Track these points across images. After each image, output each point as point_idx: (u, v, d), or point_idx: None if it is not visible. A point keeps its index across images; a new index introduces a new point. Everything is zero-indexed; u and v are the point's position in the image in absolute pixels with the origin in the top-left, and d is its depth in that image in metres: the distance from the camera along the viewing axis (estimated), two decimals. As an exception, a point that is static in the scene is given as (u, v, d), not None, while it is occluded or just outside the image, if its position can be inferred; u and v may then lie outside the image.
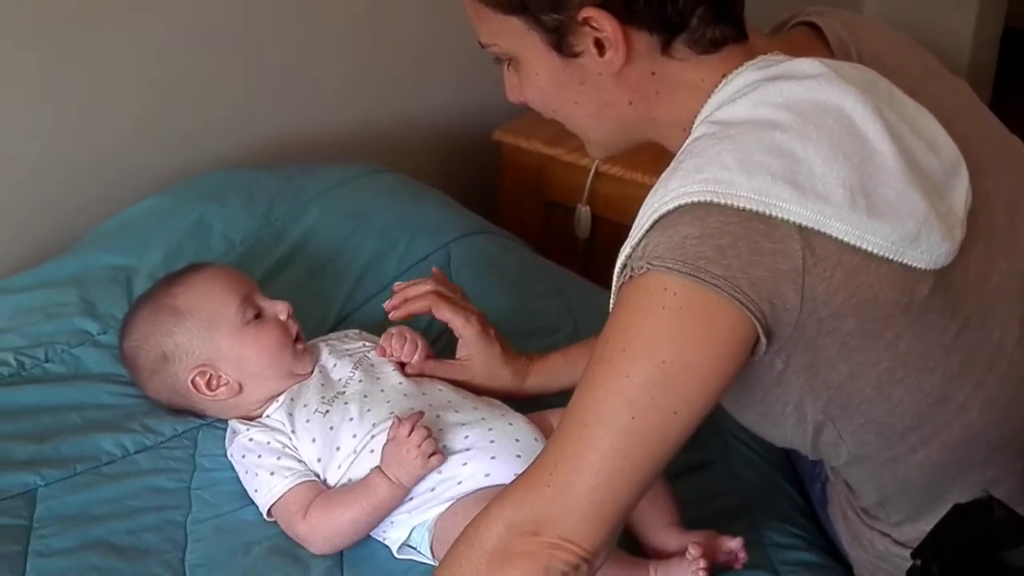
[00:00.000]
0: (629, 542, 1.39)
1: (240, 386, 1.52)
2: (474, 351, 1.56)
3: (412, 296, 1.58)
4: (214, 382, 1.52)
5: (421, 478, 1.38)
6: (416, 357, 1.55)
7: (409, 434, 1.37)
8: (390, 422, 1.41)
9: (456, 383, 1.56)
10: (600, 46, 1.18)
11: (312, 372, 1.54)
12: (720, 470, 1.59)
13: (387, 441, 1.39)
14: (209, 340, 1.51)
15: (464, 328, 1.56)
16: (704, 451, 1.59)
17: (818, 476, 1.54)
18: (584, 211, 2.30)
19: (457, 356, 1.58)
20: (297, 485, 1.43)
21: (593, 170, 2.26)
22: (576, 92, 1.23)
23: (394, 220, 1.92)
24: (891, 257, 1.10)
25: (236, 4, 2.08)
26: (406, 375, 1.54)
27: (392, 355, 1.55)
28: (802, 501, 1.58)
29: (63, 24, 1.85)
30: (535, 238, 2.26)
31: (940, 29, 3.31)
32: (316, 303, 1.63)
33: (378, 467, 1.39)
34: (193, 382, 1.52)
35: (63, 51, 1.87)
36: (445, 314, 1.56)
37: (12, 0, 1.79)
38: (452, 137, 2.48)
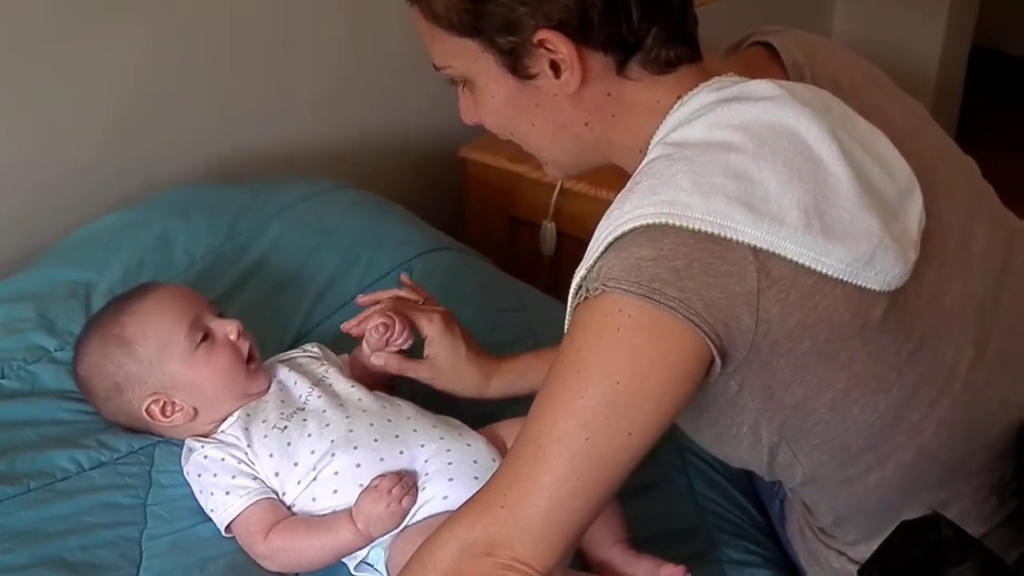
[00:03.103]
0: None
1: (195, 410, 1.51)
2: (439, 349, 1.55)
3: (379, 299, 1.56)
4: (169, 408, 1.51)
5: (389, 531, 1.38)
6: (403, 343, 1.54)
7: (390, 490, 1.37)
8: (349, 442, 1.42)
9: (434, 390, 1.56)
10: (556, 68, 1.18)
11: (268, 389, 1.53)
12: (678, 486, 1.59)
13: (365, 490, 1.38)
14: (160, 369, 1.50)
15: (427, 327, 1.55)
16: (662, 467, 1.59)
17: (776, 494, 1.54)
18: (549, 228, 2.30)
19: (424, 355, 1.57)
20: (254, 504, 1.42)
21: (558, 187, 2.26)
22: (532, 114, 1.23)
23: (357, 236, 1.92)
24: (845, 279, 1.11)
25: (207, 21, 2.07)
26: (365, 360, 1.54)
27: (380, 342, 1.53)
28: (761, 518, 1.59)
29: (31, 38, 1.85)
30: (501, 255, 2.26)
31: (908, 48, 3.34)
32: (277, 318, 1.63)
33: (349, 512, 1.38)
34: (147, 410, 1.51)
35: (31, 65, 1.86)
36: (411, 313, 1.55)
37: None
38: (419, 154, 2.48)
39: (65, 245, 1.86)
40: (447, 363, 1.55)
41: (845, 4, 3.48)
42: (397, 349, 1.55)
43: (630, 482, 1.51)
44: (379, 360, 1.55)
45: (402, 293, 1.59)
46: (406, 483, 1.38)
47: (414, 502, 1.38)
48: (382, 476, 1.39)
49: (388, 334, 1.53)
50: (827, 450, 1.23)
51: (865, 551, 1.33)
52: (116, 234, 1.86)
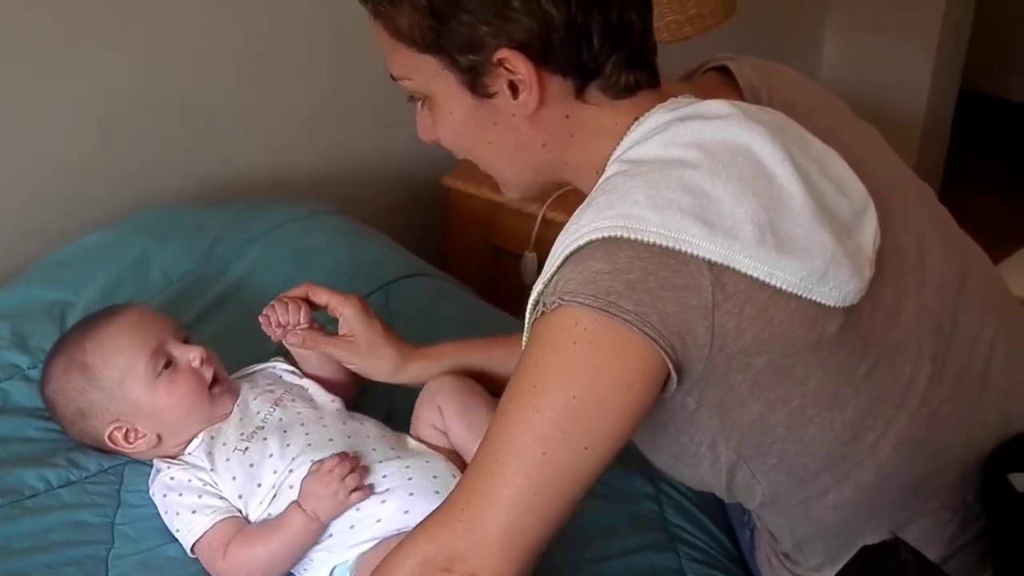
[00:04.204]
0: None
1: (159, 437, 1.51)
2: (355, 327, 1.54)
3: (287, 296, 1.56)
4: (132, 435, 1.51)
5: (339, 514, 1.37)
6: (302, 320, 1.54)
7: (332, 470, 1.36)
8: (309, 455, 1.41)
9: (324, 381, 1.58)
10: (514, 88, 1.19)
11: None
12: (649, 514, 1.58)
13: (307, 474, 1.38)
14: (122, 397, 1.50)
15: (342, 306, 1.54)
16: (634, 495, 1.59)
17: (747, 524, 1.53)
18: (531, 258, 2.31)
19: (340, 335, 1.57)
20: (219, 522, 1.42)
21: (540, 217, 2.26)
22: (490, 133, 1.24)
23: (335, 260, 1.93)
24: (800, 293, 1.11)
25: (193, 44, 2.09)
26: (281, 349, 1.54)
27: (277, 324, 1.54)
28: (732, 547, 1.58)
29: (14, 57, 1.86)
30: (482, 284, 2.26)
31: (896, 90, 3.36)
32: (251, 341, 1.63)
33: (295, 501, 1.38)
34: (110, 436, 1.51)
35: (14, 84, 1.88)
36: (321, 297, 1.56)
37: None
38: (402, 182, 2.49)
39: (43, 264, 1.87)
40: (363, 341, 1.54)
41: (833, 46, 3.50)
42: (295, 327, 1.54)
43: (601, 510, 1.52)
44: (295, 339, 1.55)
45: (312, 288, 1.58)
46: (347, 463, 1.38)
47: (361, 482, 1.38)
48: (322, 459, 1.39)
49: (287, 316, 1.53)
50: (785, 469, 1.23)
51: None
52: (94, 254, 1.87)
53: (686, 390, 1.15)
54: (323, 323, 1.58)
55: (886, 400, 1.20)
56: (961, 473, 1.27)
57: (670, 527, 1.57)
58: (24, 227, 1.96)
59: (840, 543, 1.29)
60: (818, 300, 1.12)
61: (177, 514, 1.44)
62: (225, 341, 1.62)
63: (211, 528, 1.41)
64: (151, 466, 1.52)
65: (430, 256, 2.16)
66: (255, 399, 1.53)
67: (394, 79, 1.25)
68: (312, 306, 1.56)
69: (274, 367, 1.62)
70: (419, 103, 1.27)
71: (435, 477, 1.42)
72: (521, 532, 1.14)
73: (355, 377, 1.60)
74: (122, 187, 2.05)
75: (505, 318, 1.98)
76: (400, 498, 1.39)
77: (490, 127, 1.23)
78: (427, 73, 1.21)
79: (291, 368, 1.61)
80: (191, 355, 1.52)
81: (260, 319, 1.55)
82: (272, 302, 1.56)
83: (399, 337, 1.58)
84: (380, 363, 1.55)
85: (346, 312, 1.54)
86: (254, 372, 1.61)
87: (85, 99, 1.97)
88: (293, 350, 1.59)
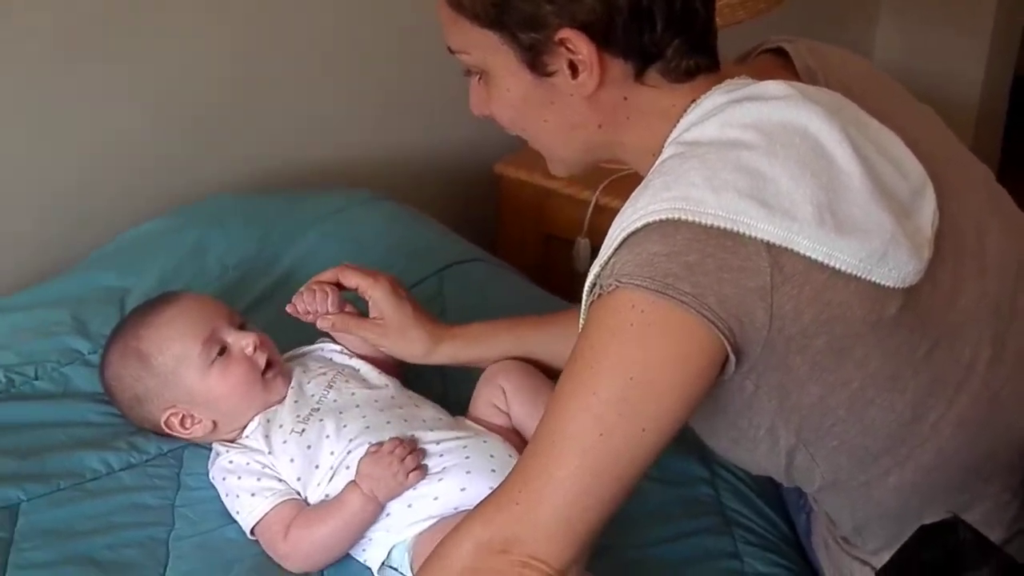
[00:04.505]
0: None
1: (214, 423, 1.53)
2: (385, 310, 1.54)
3: (316, 282, 1.57)
4: (188, 421, 1.53)
5: (398, 495, 1.38)
6: (330, 306, 1.55)
7: (392, 451, 1.38)
8: (366, 437, 1.42)
9: (375, 361, 1.58)
10: (574, 68, 1.18)
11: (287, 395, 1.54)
12: (705, 498, 1.58)
13: (365, 456, 1.39)
14: (176, 384, 1.51)
15: (372, 288, 1.54)
16: (689, 478, 1.59)
17: (803, 507, 1.53)
18: (584, 244, 2.30)
19: (371, 316, 1.57)
20: (278, 505, 1.43)
21: (593, 203, 2.26)
22: (546, 111, 1.23)
23: (389, 247, 1.93)
24: (859, 275, 1.10)
25: (243, 33, 2.11)
26: (325, 332, 1.56)
27: (305, 311, 1.55)
28: (788, 531, 1.58)
29: (69, 49, 1.89)
30: (535, 271, 2.26)
31: (950, 77, 3.33)
32: (306, 326, 1.64)
33: (353, 481, 1.39)
34: (167, 422, 1.53)
35: (68, 76, 1.90)
36: (351, 279, 1.56)
37: (18, 23, 1.82)
38: (454, 169, 2.49)
39: (103, 252, 1.90)
40: (394, 323, 1.54)
41: (886, 31, 3.47)
42: (326, 313, 1.55)
43: (656, 493, 1.53)
44: (326, 323, 1.56)
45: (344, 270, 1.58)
46: (406, 445, 1.39)
47: (419, 463, 1.39)
48: (380, 442, 1.40)
49: (315, 304, 1.54)
50: (845, 452, 1.22)
51: (887, 559, 1.32)
52: (152, 241, 1.90)
53: (744, 373, 1.15)
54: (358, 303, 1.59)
55: (946, 381, 1.19)
56: (1021, 454, 1.26)
57: (726, 511, 1.57)
58: (82, 216, 1.98)
59: (900, 526, 1.28)
60: (877, 281, 1.11)
61: (237, 497, 1.45)
62: (281, 326, 1.63)
63: (271, 510, 1.43)
64: (210, 449, 1.54)
65: (482, 243, 2.16)
66: (309, 382, 1.54)
67: (451, 51, 1.25)
68: (344, 288, 1.57)
69: (322, 349, 1.63)
70: (476, 77, 1.27)
71: (492, 456, 1.42)
72: (578, 514, 1.14)
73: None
74: (175, 178, 2.07)
75: (558, 304, 1.98)
76: (457, 476, 1.40)
77: (547, 105, 1.23)
78: (486, 48, 1.21)
79: (340, 348, 1.62)
80: (244, 341, 1.53)
81: (287, 308, 1.57)
82: (301, 289, 1.56)
83: (432, 318, 1.58)
84: (411, 345, 1.55)
85: (375, 294, 1.54)
86: (304, 354, 1.62)
87: (141, 90, 1.99)
88: (335, 333, 1.60)
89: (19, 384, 1.66)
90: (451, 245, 2.03)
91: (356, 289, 1.56)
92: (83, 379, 1.67)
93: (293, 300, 1.56)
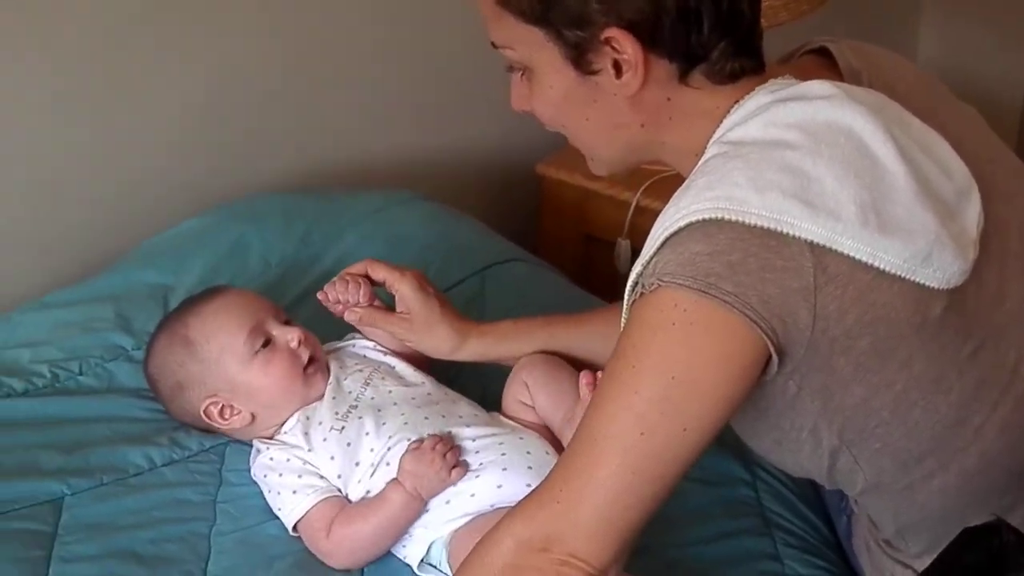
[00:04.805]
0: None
1: (252, 416, 1.54)
2: (411, 305, 1.54)
3: (348, 273, 1.58)
4: (227, 412, 1.54)
5: (440, 492, 1.39)
6: (361, 298, 1.55)
7: (433, 447, 1.38)
8: (405, 434, 1.43)
9: (409, 357, 1.59)
10: (618, 67, 1.18)
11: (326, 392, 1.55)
12: (745, 499, 1.58)
13: (407, 453, 1.40)
14: (219, 372, 1.52)
15: (399, 282, 1.55)
16: (730, 480, 1.59)
17: (844, 510, 1.52)
18: (625, 245, 2.30)
19: (397, 311, 1.57)
20: (320, 502, 1.44)
21: (634, 204, 2.25)
22: (589, 109, 1.23)
23: (430, 246, 1.94)
24: (903, 275, 1.10)
25: (283, 30, 2.11)
26: (354, 324, 1.57)
27: (336, 301, 1.56)
28: (828, 533, 1.57)
29: (110, 46, 1.90)
30: (575, 272, 2.26)
31: (994, 78, 3.30)
32: (344, 326, 1.65)
33: (395, 479, 1.40)
34: (206, 411, 1.54)
35: (109, 74, 1.91)
36: (380, 272, 1.56)
37: (59, 20, 1.83)
38: (494, 170, 2.49)
39: (144, 249, 1.91)
40: (420, 319, 1.54)
41: (930, 31, 3.44)
42: (356, 304, 1.56)
43: (697, 493, 1.52)
44: (353, 316, 1.56)
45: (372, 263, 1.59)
46: (446, 441, 1.40)
47: (458, 459, 1.40)
48: (420, 439, 1.41)
49: (347, 294, 1.55)
50: (888, 454, 1.21)
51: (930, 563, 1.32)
52: (194, 239, 1.91)
53: (787, 374, 1.14)
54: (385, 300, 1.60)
55: (991, 383, 1.18)
56: None
57: (766, 512, 1.56)
58: (124, 214, 1.99)
59: (944, 529, 1.27)
60: (922, 282, 1.10)
61: (279, 494, 1.46)
62: (319, 324, 1.64)
63: (313, 508, 1.43)
64: (251, 446, 1.55)
65: (523, 244, 2.16)
66: (346, 378, 1.55)
67: (495, 47, 1.25)
68: (373, 283, 1.58)
69: (354, 344, 1.64)
70: (519, 73, 1.27)
71: (528, 453, 1.43)
72: (619, 513, 1.14)
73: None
74: (215, 176, 2.08)
75: (599, 304, 1.98)
76: (493, 473, 1.40)
77: (590, 104, 1.22)
78: (531, 44, 1.20)
79: (373, 344, 1.63)
80: (289, 335, 1.54)
81: (319, 296, 1.58)
82: (334, 279, 1.57)
83: (459, 314, 1.58)
84: (438, 341, 1.55)
85: (402, 289, 1.55)
86: (338, 349, 1.63)
87: (184, 87, 2.01)
88: (362, 328, 1.60)
89: (63, 379, 1.68)
90: (492, 245, 2.03)
91: (384, 283, 1.57)
92: (127, 375, 1.69)
93: (325, 288, 1.57)
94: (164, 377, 1.56)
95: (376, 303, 1.58)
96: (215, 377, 1.53)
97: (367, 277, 1.57)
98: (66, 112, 1.89)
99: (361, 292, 1.56)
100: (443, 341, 1.55)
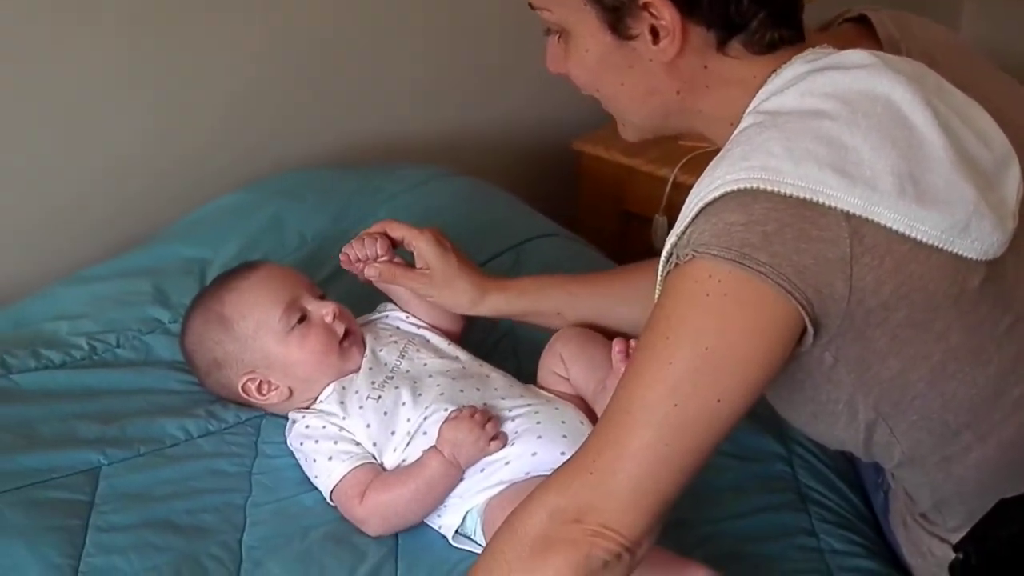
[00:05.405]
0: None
1: (290, 390, 1.54)
2: (430, 260, 1.55)
3: (366, 232, 1.59)
4: (264, 387, 1.55)
5: (477, 460, 1.39)
6: (380, 252, 1.56)
7: (473, 415, 1.39)
8: (442, 404, 1.43)
9: (441, 330, 1.61)
10: (655, 33, 1.17)
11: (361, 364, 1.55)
12: (781, 475, 1.57)
13: (446, 421, 1.40)
14: (256, 348, 1.53)
15: (416, 239, 1.56)
16: (766, 455, 1.58)
17: (881, 485, 1.52)
18: (662, 221, 2.28)
19: (416, 267, 1.58)
20: (355, 468, 1.44)
21: (671, 180, 2.25)
22: (623, 74, 1.23)
23: (465, 221, 1.93)
24: (941, 246, 1.09)
25: (320, 10, 2.11)
26: (368, 280, 1.58)
27: (356, 259, 1.57)
28: (865, 509, 1.56)
29: (149, 26, 1.91)
30: (612, 248, 2.25)
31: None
32: (378, 300, 1.66)
33: (433, 446, 1.40)
34: (244, 387, 1.55)
35: (149, 53, 1.92)
36: (398, 231, 1.57)
37: (99, 1, 1.84)
38: (531, 146, 2.49)
39: (183, 224, 1.92)
40: (439, 273, 1.55)
41: (973, 6, 3.41)
42: (375, 260, 1.57)
43: (732, 468, 1.52)
44: (373, 272, 1.57)
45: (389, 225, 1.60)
46: (485, 412, 1.41)
47: (497, 429, 1.40)
48: (459, 408, 1.41)
49: (364, 250, 1.57)
50: (925, 427, 1.20)
51: (967, 538, 1.31)
52: (232, 214, 1.92)
53: (823, 345, 1.13)
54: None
55: None
56: None
57: (802, 487, 1.56)
58: (163, 190, 2.00)
59: (980, 503, 1.26)
60: (960, 253, 1.09)
61: (315, 461, 1.47)
62: (355, 299, 1.64)
63: (348, 473, 1.44)
64: (287, 419, 1.56)
65: (560, 220, 2.16)
66: (381, 350, 1.55)
67: (532, 8, 1.24)
68: (392, 242, 1.59)
69: (387, 316, 1.64)
70: (556, 36, 1.26)
71: (563, 422, 1.43)
72: (652, 484, 1.14)
73: (462, 324, 1.63)
74: (253, 153, 2.08)
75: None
76: (528, 441, 1.41)
77: (625, 69, 1.22)
78: (569, 7, 1.20)
79: (405, 316, 1.63)
80: (324, 310, 1.55)
81: (340, 257, 1.59)
82: (352, 240, 1.58)
83: (478, 270, 1.59)
84: (457, 295, 1.56)
85: (420, 245, 1.56)
86: (371, 322, 1.63)
87: (219, 66, 2.01)
88: (383, 286, 1.61)
89: (101, 351, 1.69)
90: (528, 220, 2.03)
91: (402, 241, 1.58)
92: (164, 348, 1.70)
93: (344, 249, 1.58)
94: (201, 354, 1.57)
95: (396, 260, 1.58)
96: (252, 354, 1.53)
97: (385, 235, 1.58)
98: (106, 93, 1.89)
99: (379, 245, 1.57)
100: (462, 294, 1.56)
